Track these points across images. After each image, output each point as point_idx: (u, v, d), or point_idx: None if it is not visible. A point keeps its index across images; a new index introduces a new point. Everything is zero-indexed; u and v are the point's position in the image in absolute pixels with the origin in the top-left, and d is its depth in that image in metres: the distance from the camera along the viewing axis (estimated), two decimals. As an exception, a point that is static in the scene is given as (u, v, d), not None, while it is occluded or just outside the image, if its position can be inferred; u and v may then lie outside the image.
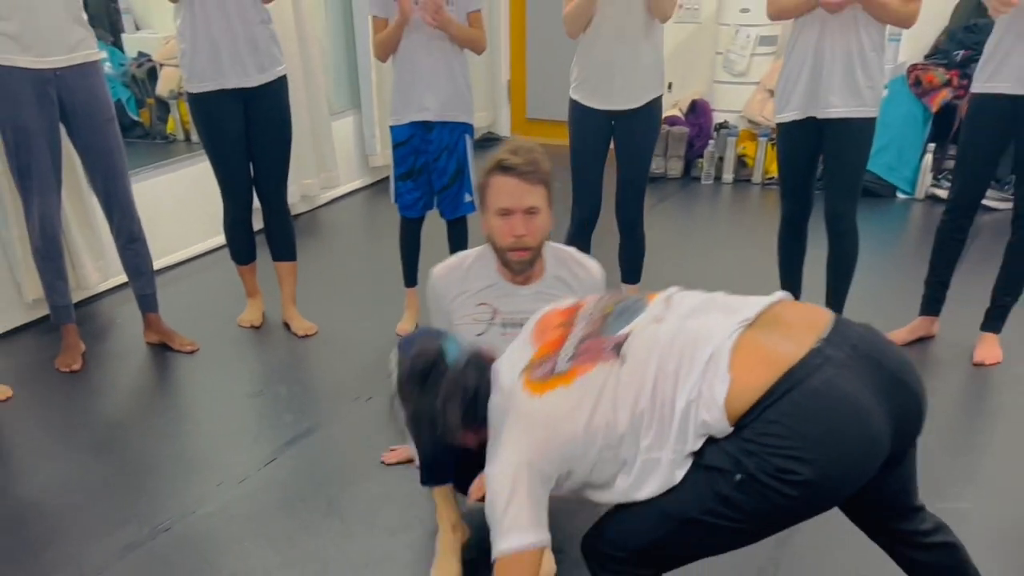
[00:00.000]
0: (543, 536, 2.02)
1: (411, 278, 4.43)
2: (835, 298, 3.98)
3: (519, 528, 1.99)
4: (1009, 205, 5.02)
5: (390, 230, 4.41)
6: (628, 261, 4.30)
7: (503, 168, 2.74)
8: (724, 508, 1.92)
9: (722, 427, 1.90)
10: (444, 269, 2.99)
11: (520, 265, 2.80)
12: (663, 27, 3.94)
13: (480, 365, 2.26)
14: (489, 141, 7.61)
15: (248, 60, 3.96)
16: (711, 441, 1.93)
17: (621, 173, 4.13)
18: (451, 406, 2.17)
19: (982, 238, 4.96)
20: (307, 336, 4.43)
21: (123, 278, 4.57)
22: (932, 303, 4.12)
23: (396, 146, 4.14)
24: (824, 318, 2.00)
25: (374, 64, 5.86)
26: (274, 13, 4.09)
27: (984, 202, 5.38)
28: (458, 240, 4.34)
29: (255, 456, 3.49)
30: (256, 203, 4.35)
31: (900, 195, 6.04)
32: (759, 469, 1.85)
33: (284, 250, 4.46)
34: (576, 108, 4.04)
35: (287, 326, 4.52)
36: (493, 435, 2.17)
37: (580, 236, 4.16)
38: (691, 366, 1.94)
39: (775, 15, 3.80)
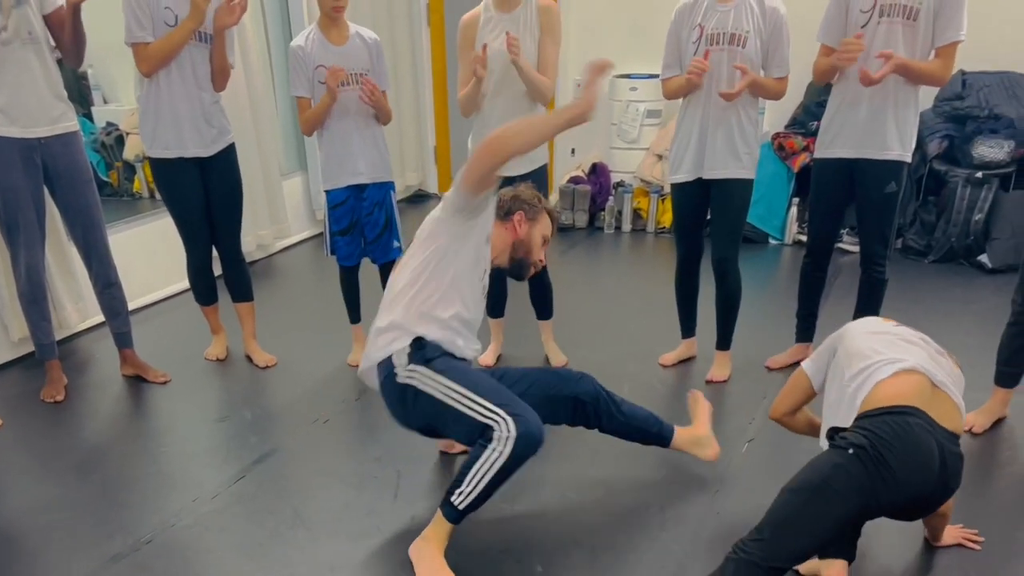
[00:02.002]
0: None
1: (355, 316, 4.42)
2: (724, 329, 4.06)
3: None
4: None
5: (335, 274, 4.38)
6: (538, 301, 4.31)
7: (553, 218, 3.25)
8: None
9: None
10: None
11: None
12: (544, 109, 3.97)
13: None
14: (420, 197, 7.63)
15: (205, 132, 3.97)
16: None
17: None
18: None
19: (843, 276, 5.11)
20: (268, 367, 4.37)
21: (101, 318, 4.50)
22: (805, 331, 4.21)
23: (333, 207, 4.15)
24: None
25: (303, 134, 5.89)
26: (229, 88, 4.10)
27: (841, 246, 5.62)
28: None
29: (225, 474, 3.43)
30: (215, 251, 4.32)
31: (772, 241, 6.17)
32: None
33: (242, 292, 4.42)
34: None
35: (249, 358, 4.45)
36: None
37: (497, 281, 4.15)
38: (886, 352, 2.60)
39: (669, 97, 3.93)
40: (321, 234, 6.55)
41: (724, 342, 4.12)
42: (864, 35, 3.53)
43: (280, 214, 6.20)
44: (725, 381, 4.05)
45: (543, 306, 4.32)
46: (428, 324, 2.92)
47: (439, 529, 2.79)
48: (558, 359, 4.30)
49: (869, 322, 2.85)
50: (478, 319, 3.09)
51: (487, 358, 4.35)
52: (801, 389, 2.93)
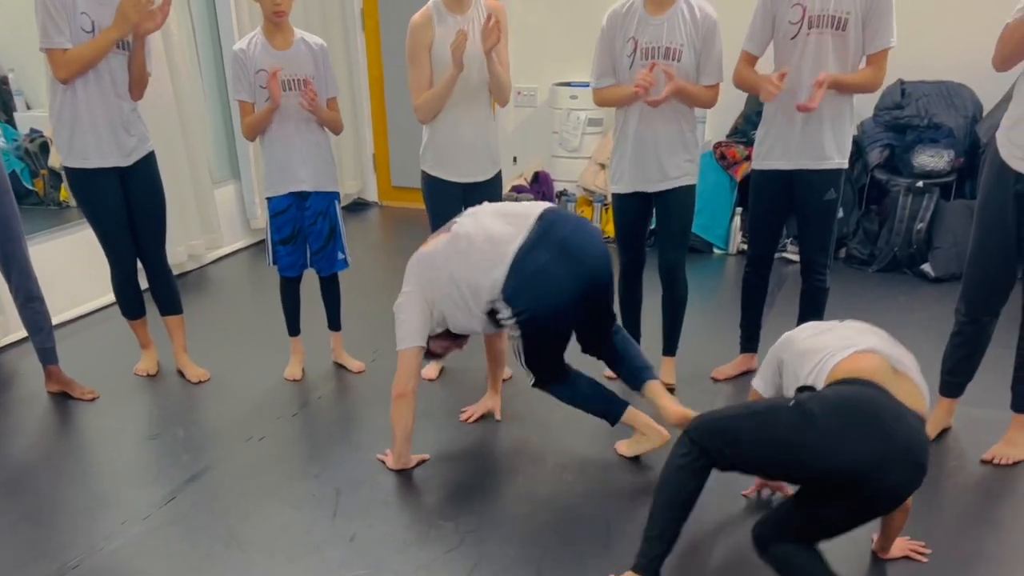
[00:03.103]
0: None
1: (294, 328, 4.39)
2: (671, 335, 4.11)
3: None
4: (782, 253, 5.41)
5: (272, 285, 4.35)
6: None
7: None
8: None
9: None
10: None
11: None
12: (496, 115, 4.00)
13: None
14: (360, 205, 7.58)
15: (124, 141, 3.90)
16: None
17: None
18: None
19: (787, 285, 5.18)
20: (200, 382, 4.31)
21: (24, 333, 4.39)
22: (749, 341, 4.26)
23: (275, 215, 4.12)
24: None
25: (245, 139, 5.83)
26: (155, 93, 4.05)
27: (785, 255, 5.70)
28: (332, 294, 4.39)
29: (157, 494, 3.37)
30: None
31: (716, 251, 6.24)
32: None
33: (169, 305, 4.35)
34: (431, 180, 4.07)
35: (181, 373, 4.39)
36: None
37: None
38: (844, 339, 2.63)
39: (602, 105, 3.98)
40: (257, 244, 6.55)
41: (671, 348, 4.16)
42: (790, 62, 3.63)
43: (212, 223, 6.12)
44: (672, 388, 4.07)
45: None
46: None
47: None
48: (504, 372, 4.29)
49: (810, 326, 2.88)
50: None
51: (429, 371, 4.34)
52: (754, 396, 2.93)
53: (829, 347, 2.56)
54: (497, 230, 3.23)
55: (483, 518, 3.19)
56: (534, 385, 3.42)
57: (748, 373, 4.21)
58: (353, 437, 3.82)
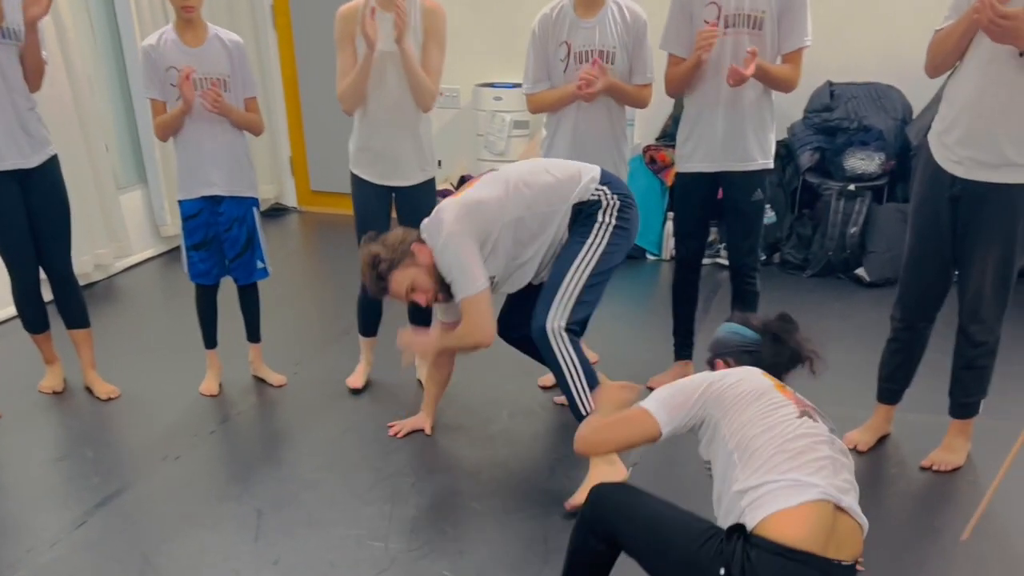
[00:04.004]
0: None
1: (210, 340, 4.30)
2: None
3: None
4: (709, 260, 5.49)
5: (186, 295, 4.25)
6: (417, 319, 4.25)
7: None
8: None
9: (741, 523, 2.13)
10: None
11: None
12: (430, 114, 3.97)
13: None
14: (278, 211, 7.47)
15: (23, 141, 3.77)
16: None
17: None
18: None
19: (723, 291, 5.21)
20: (110, 399, 4.19)
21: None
22: (684, 348, 4.28)
23: (186, 219, 4.03)
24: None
25: (156, 141, 5.67)
26: (51, 95, 3.92)
27: (719, 260, 5.74)
28: (251, 304, 4.31)
29: (65, 519, 3.26)
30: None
31: (649, 256, 6.25)
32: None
33: (75, 318, 4.22)
34: (359, 182, 4.03)
35: (89, 390, 4.26)
36: None
37: (370, 297, 4.12)
38: (786, 471, 2.14)
39: (538, 111, 4.03)
40: (168, 252, 6.41)
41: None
42: (708, 63, 3.66)
43: (119, 231, 5.96)
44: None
45: (422, 323, 4.27)
46: None
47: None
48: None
49: (751, 385, 2.36)
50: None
51: (356, 379, 4.28)
52: (643, 435, 2.39)
53: (777, 478, 2.14)
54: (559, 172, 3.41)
55: (415, 538, 3.15)
56: (568, 329, 3.31)
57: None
58: (275, 455, 3.75)
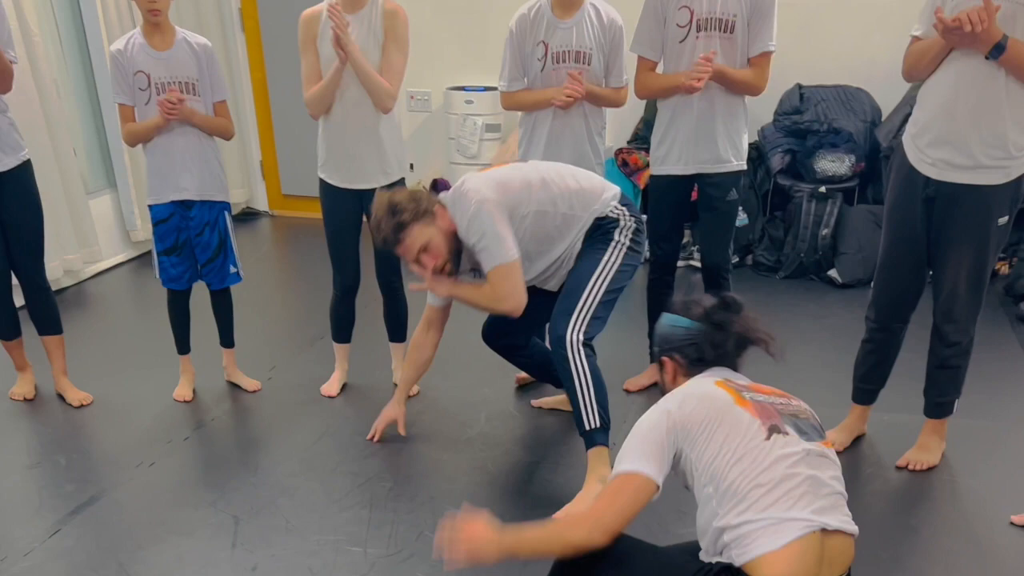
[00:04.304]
0: None
1: (183, 346, 4.26)
2: None
3: None
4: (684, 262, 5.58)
5: (158, 300, 4.22)
6: (392, 320, 4.25)
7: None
8: None
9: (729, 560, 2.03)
10: None
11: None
12: (395, 117, 3.95)
13: None
14: (249, 215, 7.41)
15: None
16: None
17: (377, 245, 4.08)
18: None
19: (695, 293, 5.21)
20: (83, 406, 4.14)
21: None
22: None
23: (157, 224, 3.98)
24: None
25: (125, 145, 5.63)
26: (18, 100, 3.87)
27: (691, 263, 5.76)
28: (224, 309, 4.27)
29: (39, 528, 3.22)
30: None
31: (622, 258, 6.24)
32: None
33: (48, 324, 4.16)
34: (326, 187, 3.99)
35: (61, 397, 4.21)
36: None
37: (344, 301, 4.17)
38: (765, 508, 2.02)
39: (514, 109, 4.05)
40: (139, 257, 6.35)
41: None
42: (679, 66, 3.72)
43: (89, 236, 5.90)
44: None
45: (396, 326, 4.26)
46: None
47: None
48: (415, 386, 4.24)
49: (709, 408, 2.18)
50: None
51: (331, 387, 4.25)
52: (644, 497, 2.15)
53: (758, 517, 2.03)
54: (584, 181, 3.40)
55: (393, 542, 3.13)
56: (585, 344, 3.26)
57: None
58: (251, 461, 3.71)
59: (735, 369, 2.41)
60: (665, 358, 2.46)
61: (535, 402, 4.08)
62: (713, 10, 3.63)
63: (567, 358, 3.23)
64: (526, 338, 3.85)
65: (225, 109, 3.98)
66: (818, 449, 2.16)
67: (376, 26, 3.75)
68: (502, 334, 3.73)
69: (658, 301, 4.19)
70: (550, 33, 3.77)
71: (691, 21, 3.65)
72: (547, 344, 3.55)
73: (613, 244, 3.32)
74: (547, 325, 3.42)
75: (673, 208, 4.02)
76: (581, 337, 3.23)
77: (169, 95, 3.69)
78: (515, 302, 3.21)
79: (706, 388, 2.24)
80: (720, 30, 3.64)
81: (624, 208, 3.37)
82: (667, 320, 2.50)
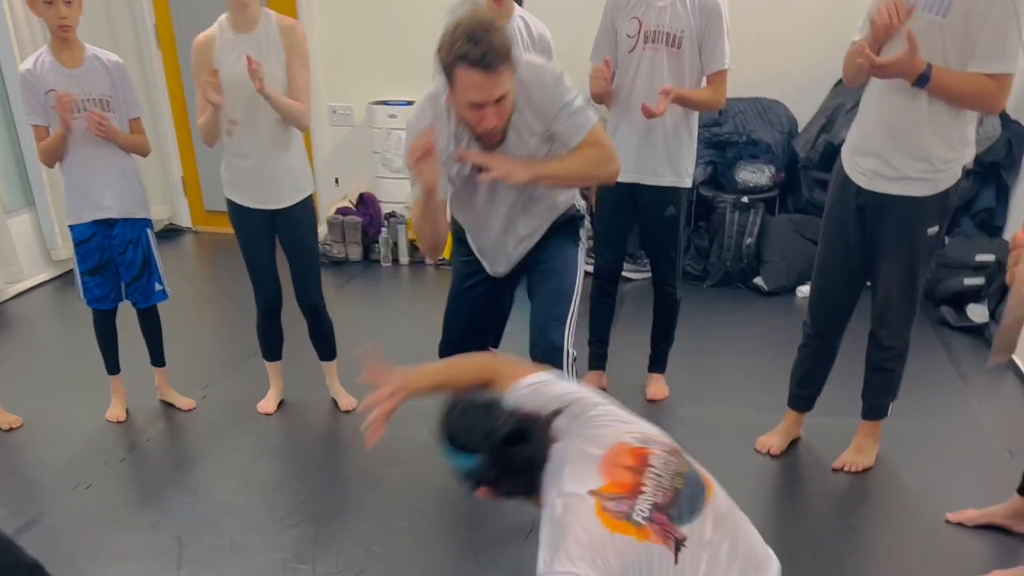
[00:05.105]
0: None
1: (113, 366, 4.15)
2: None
3: None
4: (642, 275, 5.58)
5: (83, 320, 4.10)
6: (320, 340, 4.19)
7: (466, 60, 2.54)
8: None
9: None
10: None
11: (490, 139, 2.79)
12: (300, 135, 3.86)
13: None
14: (173, 232, 7.26)
15: None
16: None
17: (293, 264, 4.01)
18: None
19: (627, 304, 5.27)
20: (12, 429, 4.01)
21: None
22: (598, 358, 4.32)
23: (79, 244, 3.88)
24: None
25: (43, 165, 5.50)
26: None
27: (624, 274, 5.79)
28: (152, 328, 4.17)
29: (-27, 556, 3.08)
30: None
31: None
32: None
33: (-28, 347, 4.01)
34: (237, 208, 3.89)
35: (-11, 421, 4.07)
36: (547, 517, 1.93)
37: (269, 320, 4.08)
38: None
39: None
40: (62, 276, 6.17)
41: None
42: (627, 75, 3.74)
43: (9, 256, 5.74)
44: None
45: (325, 346, 4.19)
46: None
47: None
48: (346, 402, 4.18)
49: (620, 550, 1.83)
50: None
51: (267, 405, 4.18)
52: None
53: None
54: None
55: (342, 559, 3.09)
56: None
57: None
58: (190, 480, 3.64)
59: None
60: (480, 490, 2.09)
61: None
62: (661, 24, 3.65)
63: (564, 367, 3.07)
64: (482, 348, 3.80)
65: (140, 126, 3.88)
66: (712, 520, 1.93)
67: (276, 44, 3.67)
68: (462, 348, 3.66)
69: (600, 309, 4.22)
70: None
71: (639, 32, 3.68)
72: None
73: (581, 244, 3.21)
74: (534, 329, 3.11)
75: (616, 214, 4.03)
76: (574, 351, 3.08)
77: (89, 116, 3.60)
78: (618, 163, 2.93)
79: (601, 535, 1.83)
80: (668, 44, 3.67)
81: (582, 203, 3.31)
82: (449, 457, 2.07)
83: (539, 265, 3.15)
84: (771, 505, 3.49)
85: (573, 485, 1.91)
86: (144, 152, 3.92)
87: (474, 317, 3.37)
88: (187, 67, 6.96)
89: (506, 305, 3.47)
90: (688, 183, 3.93)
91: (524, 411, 2.04)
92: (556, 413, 2.05)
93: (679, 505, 1.90)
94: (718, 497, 1.99)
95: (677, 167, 3.87)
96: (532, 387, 2.17)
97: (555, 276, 3.10)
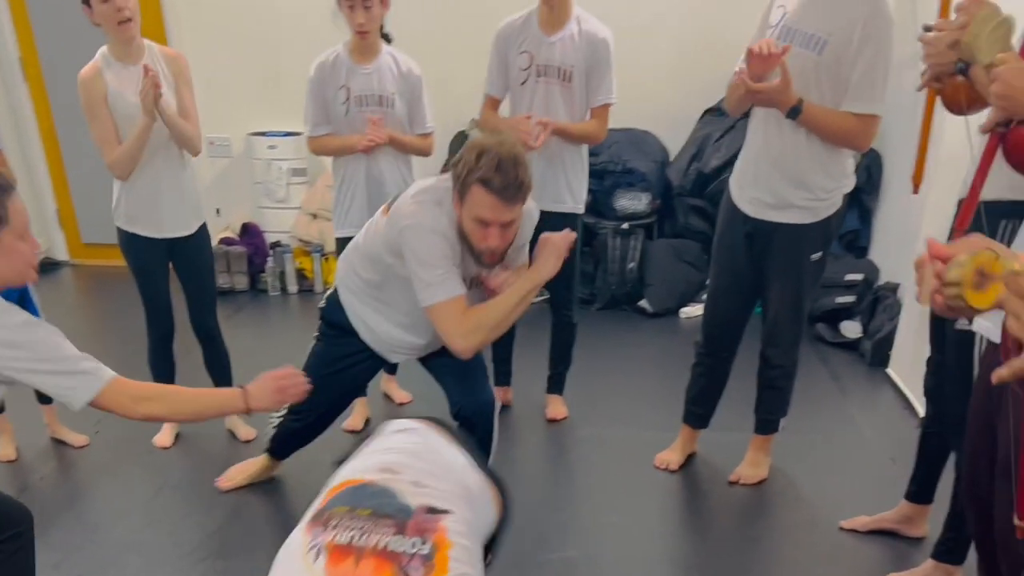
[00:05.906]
0: None
1: (-4, 406, 3.97)
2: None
3: None
4: (538, 299, 5.54)
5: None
6: (216, 368, 4.10)
7: (488, 186, 2.63)
8: None
9: None
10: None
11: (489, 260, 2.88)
12: (191, 161, 3.84)
13: None
14: (49, 266, 6.96)
15: None
16: None
17: (189, 289, 3.95)
18: None
19: (523, 327, 5.29)
20: None
21: None
22: (503, 376, 4.39)
23: None
24: None
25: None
26: None
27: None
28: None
29: None
30: None
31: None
32: None
33: None
34: (129, 237, 3.79)
35: None
36: None
37: (161, 350, 3.98)
38: None
39: (320, 154, 4.03)
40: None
41: None
42: (521, 107, 3.83)
43: None
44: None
45: (222, 374, 4.09)
46: None
47: None
48: (245, 432, 4.11)
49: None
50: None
51: (163, 438, 4.09)
52: None
53: None
54: None
55: None
56: None
57: (504, 407, 4.28)
58: (88, 517, 3.52)
59: None
60: None
61: None
62: (551, 58, 3.73)
63: (493, 423, 3.18)
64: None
65: (3, 157, 3.77)
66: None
67: (163, 72, 3.64)
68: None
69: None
70: (351, 78, 3.75)
71: (531, 66, 3.75)
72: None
73: None
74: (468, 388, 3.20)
75: None
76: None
77: None
78: None
79: None
80: (559, 78, 3.75)
81: None
82: None
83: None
84: (674, 519, 3.58)
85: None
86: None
87: (346, 388, 3.53)
88: (57, 101, 6.74)
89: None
90: (583, 209, 4.03)
91: None
92: None
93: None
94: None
95: (576, 192, 3.98)
96: None
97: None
